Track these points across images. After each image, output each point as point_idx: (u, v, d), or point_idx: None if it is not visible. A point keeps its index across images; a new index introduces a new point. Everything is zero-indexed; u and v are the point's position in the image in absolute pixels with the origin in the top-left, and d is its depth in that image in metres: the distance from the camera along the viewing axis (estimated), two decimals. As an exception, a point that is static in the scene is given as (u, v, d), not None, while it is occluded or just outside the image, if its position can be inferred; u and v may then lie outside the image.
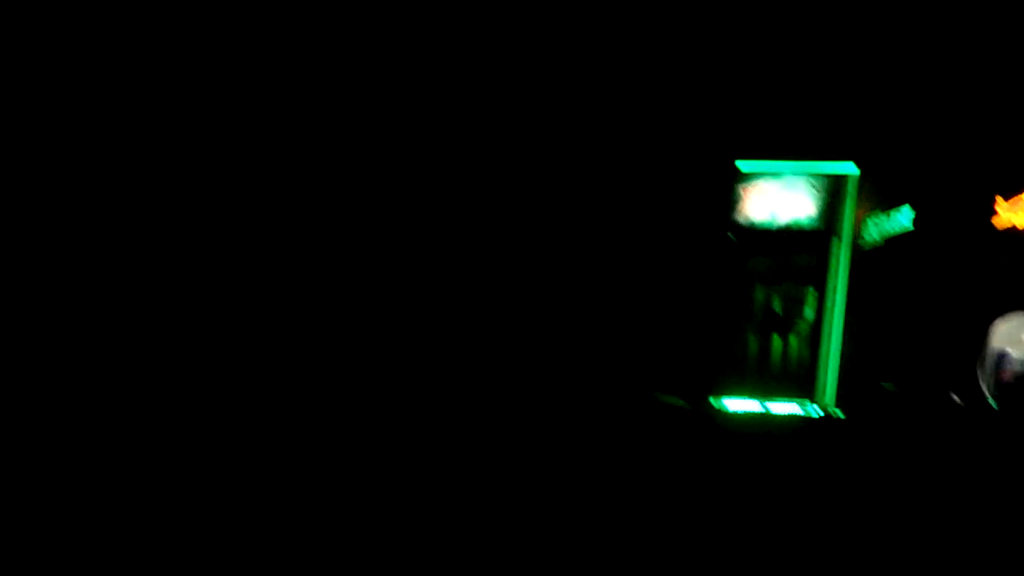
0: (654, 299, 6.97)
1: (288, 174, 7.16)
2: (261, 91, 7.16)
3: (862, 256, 6.75)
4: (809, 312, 6.69)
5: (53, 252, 6.89)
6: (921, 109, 6.74)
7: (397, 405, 6.46)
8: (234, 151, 7.11)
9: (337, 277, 7.05)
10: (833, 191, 6.78)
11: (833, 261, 6.73)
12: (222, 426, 6.42)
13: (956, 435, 5.87)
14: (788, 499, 5.78)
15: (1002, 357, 6.32)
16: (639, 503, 5.92)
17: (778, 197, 6.84)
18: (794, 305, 6.71)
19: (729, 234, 6.88)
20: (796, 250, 6.75)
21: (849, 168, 6.78)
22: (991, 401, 6.29)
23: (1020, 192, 6.50)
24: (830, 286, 6.70)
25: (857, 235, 6.77)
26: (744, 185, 6.91)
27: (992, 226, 6.49)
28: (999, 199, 6.52)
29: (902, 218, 6.65)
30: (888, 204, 6.72)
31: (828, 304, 6.69)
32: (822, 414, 6.52)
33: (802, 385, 6.62)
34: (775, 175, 6.87)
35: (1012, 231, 6.47)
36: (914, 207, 6.64)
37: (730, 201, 6.89)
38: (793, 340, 6.69)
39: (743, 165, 6.92)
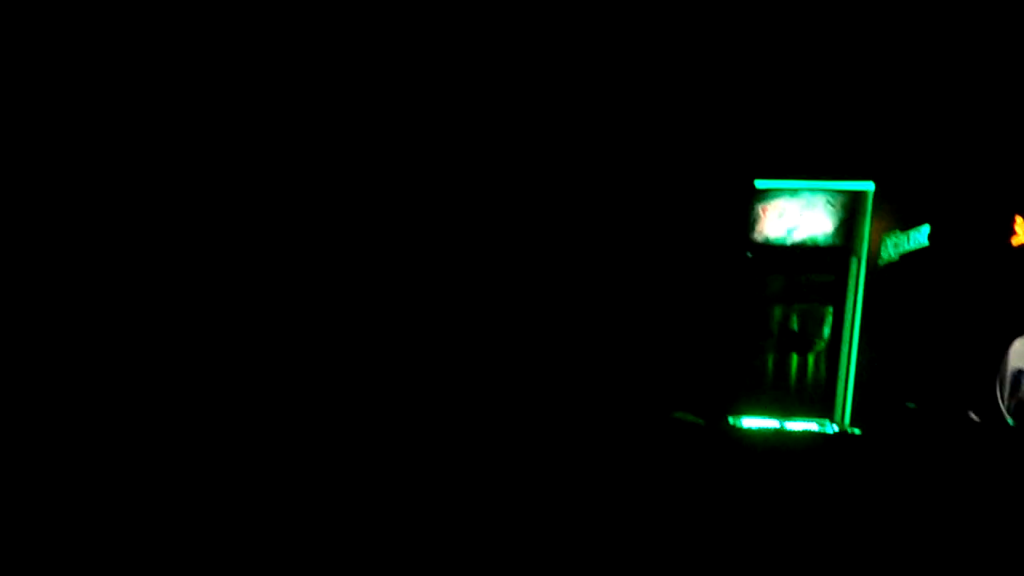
0: (671, 317, 6.97)
1: (288, 174, 7.17)
2: (261, 91, 7.18)
3: (880, 274, 6.73)
4: (826, 330, 6.67)
5: (53, 252, 6.91)
6: (939, 127, 6.73)
7: (410, 426, 6.46)
8: (234, 151, 7.13)
9: (346, 290, 7.06)
10: (851, 209, 6.76)
11: (851, 279, 6.71)
12: (222, 426, 6.44)
13: (974, 453, 5.84)
14: (805, 516, 5.76)
15: (1020, 375, 6.29)
16: (656, 520, 5.91)
17: (795, 215, 6.84)
18: (811, 323, 6.69)
19: (747, 252, 6.88)
20: (813, 268, 6.74)
21: (867, 186, 6.77)
22: (1009, 420, 6.26)
23: (1039, 211, 6.49)
24: (847, 304, 6.68)
25: (875, 253, 6.75)
26: (761, 203, 6.90)
27: (1010, 245, 6.47)
28: (1018, 218, 6.50)
29: (920, 236, 6.63)
30: (906, 222, 6.70)
31: (845, 322, 6.67)
32: (838, 432, 6.50)
33: (819, 403, 6.60)
34: (792, 193, 6.87)
35: (1030, 250, 6.46)
36: (932, 225, 6.62)
37: (747, 219, 6.89)
38: (810, 358, 6.67)
39: (760, 183, 6.92)
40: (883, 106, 6.82)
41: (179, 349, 6.84)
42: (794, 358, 6.68)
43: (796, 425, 6.55)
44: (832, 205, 6.79)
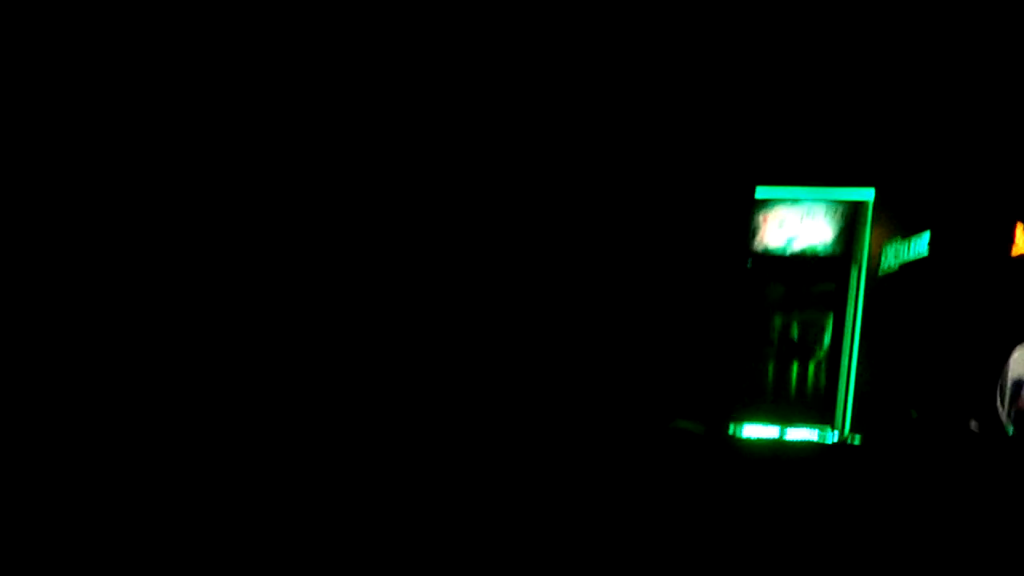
0: (672, 325, 6.97)
1: (287, 174, 7.17)
2: (261, 91, 7.18)
3: (880, 283, 6.75)
4: (826, 338, 6.69)
5: (53, 252, 6.91)
6: (940, 136, 6.74)
7: (411, 431, 6.47)
8: (234, 151, 7.14)
9: (348, 293, 7.06)
10: (851, 217, 6.78)
11: (851, 288, 6.73)
12: (222, 426, 6.44)
13: (974, 463, 5.85)
14: (805, 524, 5.77)
15: (1020, 385, 6.30)
16: (656, 528, 5.92)
17: (796, 224, 6.86)
18: (811, 331, 6.71)
19: (747, 262, 6.90)
20: (814, 276, 6.77)
21: (867, 194, 6.79)
22: (1009, 428, 6.27)
23: (1040, 220, 6.50)
24: (848, 312, 6.70)
25: (875, 262, 6.77)
26: (762, 211, 6.92)
27: (1010, 254, 6.48)
28: (1019, 226, 6.51)
29: (920, 245, 6.65)
30: (907, 231, 6.72)
31: (846, 330, 6.69)
32: (838, 440, 6.51)
33: (820, 411, 6.62)
34: (793, 201, 6.89)
35: (1031, 259, 6.47)
36: (933, 234, 6.63)
37: (748, 228, 6.91)
38: (811, 366, 6.69)
39: (761, 192, 6.94)
40: (884, 115, 6.83)
41: (179, 349, 6.85)
42: (795, 366, 6.70)
43: (797, 432, 6.58)
44: (833, 213, 6.82)
